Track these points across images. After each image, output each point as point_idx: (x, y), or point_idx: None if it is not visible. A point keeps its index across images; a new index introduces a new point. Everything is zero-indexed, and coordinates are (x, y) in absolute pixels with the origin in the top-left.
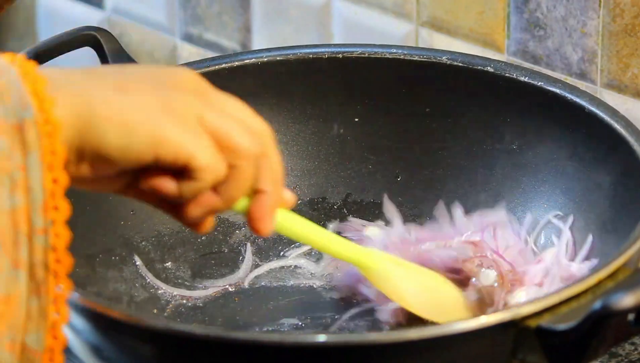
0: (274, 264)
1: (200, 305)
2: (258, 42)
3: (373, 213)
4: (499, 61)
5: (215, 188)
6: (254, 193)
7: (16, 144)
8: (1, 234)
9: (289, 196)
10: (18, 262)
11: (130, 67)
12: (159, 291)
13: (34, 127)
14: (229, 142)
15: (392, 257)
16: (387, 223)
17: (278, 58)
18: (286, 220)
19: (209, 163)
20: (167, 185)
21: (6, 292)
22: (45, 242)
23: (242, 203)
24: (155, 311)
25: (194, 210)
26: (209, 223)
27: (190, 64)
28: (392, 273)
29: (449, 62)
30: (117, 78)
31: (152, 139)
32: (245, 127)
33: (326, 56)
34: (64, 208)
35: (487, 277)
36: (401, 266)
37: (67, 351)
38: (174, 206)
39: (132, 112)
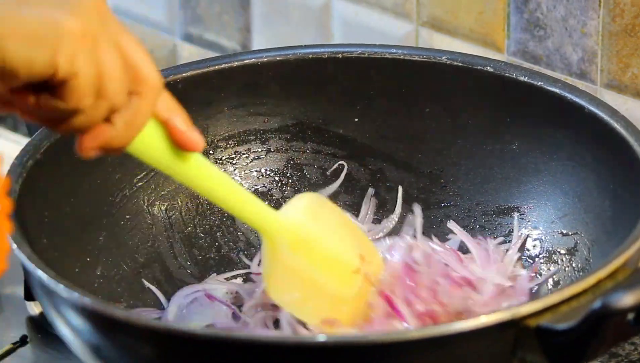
0: None
1: None
2: (258, 42)
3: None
4: (499, 61)
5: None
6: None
7: None
8: None
9: (195, 137)
10: None
11: None
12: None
13: None
14: (103, 79)
15: (306, 229)
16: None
17: (278, 58)
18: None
19: (84, 90)
20: (29, 98)
21: None
22: None
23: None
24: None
25: (40, 117)
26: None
27: (190, 64)
28: (290, 259)
29: (449, 62)
30: None
31: (54, 54)
32: (132, 69)
33: (326, 56)
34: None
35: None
36: (310, 243)
37: (67, 350)
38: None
39: (38, 23)
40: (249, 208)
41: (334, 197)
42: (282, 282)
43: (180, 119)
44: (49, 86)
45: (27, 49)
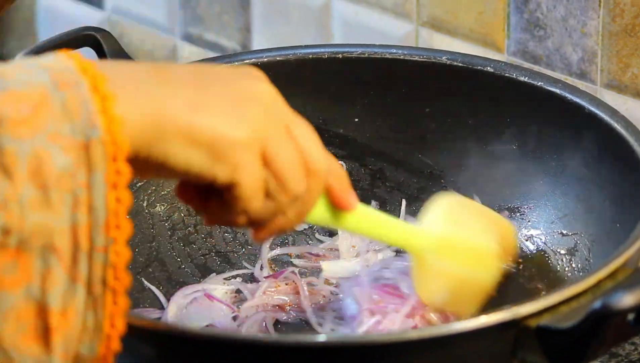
0: None
1: None
2: (258, 42)
3: None
4: (499, 61)
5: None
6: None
7: (81, 162)
8: (59, 250)
9: (352, 200)
10: (76, 277)
11: (206, 71)
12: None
13: (101, 146)
14: (280, 180)
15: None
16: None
17: (278, 58)
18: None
19: (251, 194)
20: (198, 202)
21: (63, 306)
22: (104, 259)
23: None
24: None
25: (261, 234)
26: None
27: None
28: (437, 266)
29: (449, 62)
30: (192, 90)
31: (214, 160)
32: (305, 161)
33: (326, 56)
34: (126, 227)
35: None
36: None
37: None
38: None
39: (202, 130)
40: (398, 233)
41: None
42: (433, 287)
43: (340, 184)
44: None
45: (188, 153)
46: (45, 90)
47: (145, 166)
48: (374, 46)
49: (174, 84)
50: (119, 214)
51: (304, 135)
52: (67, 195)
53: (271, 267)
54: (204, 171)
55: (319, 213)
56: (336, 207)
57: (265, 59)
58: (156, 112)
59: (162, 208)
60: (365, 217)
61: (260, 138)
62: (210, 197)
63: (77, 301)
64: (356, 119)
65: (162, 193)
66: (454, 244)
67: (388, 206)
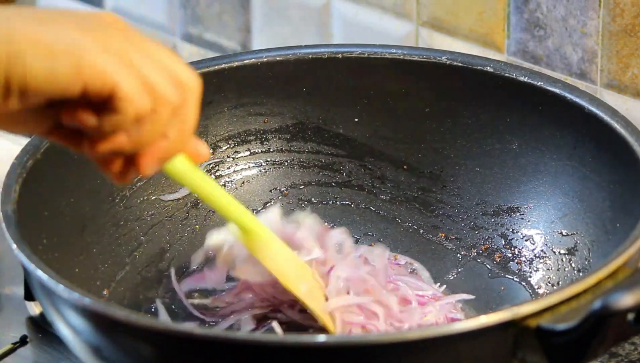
0: None
1: None
2: (258, 42)
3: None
4: (498, 61)
5: (127, 129)
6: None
7: None
8: None
9: (202, 149)
10: None
11: (52, 9)
12: None
13: None
14: (152, 86)
15: (273, 234)
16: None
17: (278, 58)
18: (183, 166)
19: (134, 94)
20: (89, 118)
21: None
22: None
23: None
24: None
25: (103, 146)
26: (129, 175)
27: (190, 64)
28: (273, 245)
29: (449, 62)
30: (39, 12)
31: (78, 65)
32: (171, 75)
33: (326, 56)
34: None
35: None
36: (280, 243)
37: (67, 350)
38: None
39: (57, 40)
40: (236, 210)
41: (332, 197)
42: (281, 265)
43: (161, 147)
44: (104, 107)
45: (47, 63)
46: None
47: (7, 92)
48: (374, 45)
49: (18, 9)
50: None
51: (166, 53)
52: None
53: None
54: (71, 78)
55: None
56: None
57: (265, 59)
58: (5, 25)
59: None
60: (203, 179)
61: (116, 48)
62: (83, 115)
63: None
64: (356, 119)
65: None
66: (281, 248)
67: (388, 207)
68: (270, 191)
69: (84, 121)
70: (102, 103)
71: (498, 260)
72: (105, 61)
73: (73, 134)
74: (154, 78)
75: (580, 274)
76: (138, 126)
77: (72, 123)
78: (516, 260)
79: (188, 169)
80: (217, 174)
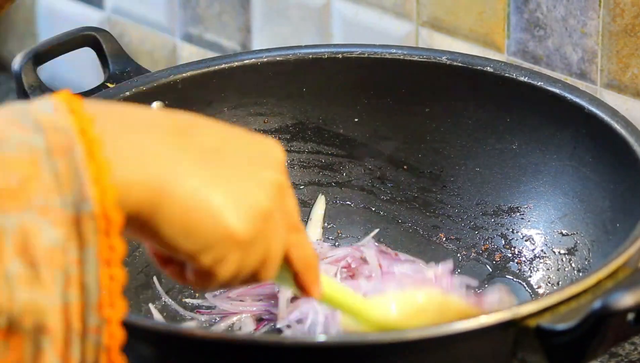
0: None
1: None
2: (258, 42)
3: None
4: (499, 61)
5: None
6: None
7: (72, 237)
8: (52, 330)
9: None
10: (68, 360)
11: (227, 144)
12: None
13: (92, 221)
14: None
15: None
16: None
17: (278, 58)
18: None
19: (232, 274)
20: (189, 276)
21: None
22: (98, 341)
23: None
24: None
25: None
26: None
27: (190, 64)
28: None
29: (449, 62)
30: (203, 163)
31: (202, 247)
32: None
33: (326, 56)
34: (121, 306)
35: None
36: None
37: None
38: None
39: (200, 217)
40: (356, 308)
41: (332, 197)
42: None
43: (309, 278)
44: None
45: (179, 235)
46: (37, 157)
47: (141, 231)
48: (374, 45)
49: (184, 150)
50: (112, 292)
51: (300, 240)
52: (58, 272)
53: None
54: (188, 254)
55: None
56: (299, 289)
57: (265, 59)
58: (159, 179)
59: None
60: (329, 293)
61: (253, 237)
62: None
63: None
64: (356, 119)
65: None
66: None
67: (389, 207)
68: None
69: (177, 277)
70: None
71: (498, 260)
72: (226, 252)
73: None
74: (270, 264)
75: (580, 274)
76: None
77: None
78: (516, 260)
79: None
80: None
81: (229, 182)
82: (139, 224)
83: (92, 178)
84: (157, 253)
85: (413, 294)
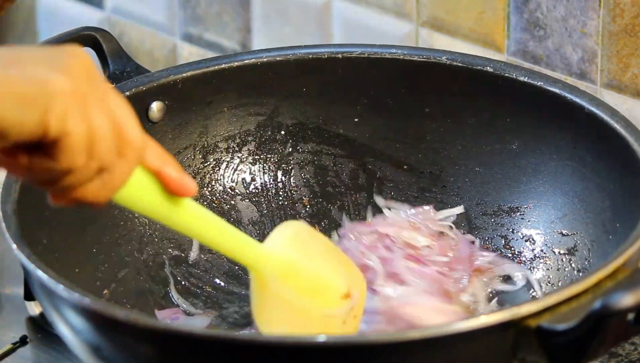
0: None
1: None
2: (258, 42)
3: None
4: (498, 61)
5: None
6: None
7: None
8: None
9: (189, 183)
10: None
11: (22, 47)
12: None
13: None
14: (94, 140)
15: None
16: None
17: (278, 58)
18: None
19: (75, 149)
20: (22, 159)
21: None
22: None
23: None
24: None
25: (60, 200)
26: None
27: (190, 64)
28: (278, 290)
29: (448, 62)
30: (6, 53)
31: (45, 113)
32: (118, 129)
33: (326, 56)
34: None
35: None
36: (293, 276)
37: (67, 350)
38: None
39: (26, 82)
40: (237, 246)
41: (333, 197)
42: (272, 314)
43: (172, 168)
44: (41, 146)
45: (17, 110)
46: None
47: None
48: (374, 45)
49: None
50: None
51: (121, 107)
52: None
53: None
54: (36, 125)
55: (144, 195)
56: (171, 192)
57: (265, 59)
58: None
59: None
60: (202, 216)
61: (81, 93)
62: (18, 153)
63: None
64: (356, 119)
65: None
66: (299, 270)
67: (388, 207)
68: (270, 191)
69: (16, 161)
70: (41, 144)
71: None
72: (68, 110)
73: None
74: (100, 132)
75: (580, 274)
76: (61, 175)
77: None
78: (516, 260)
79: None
80: (217, 174)
81: (37, 55)
82: None
83: None
84: (8, 158)
85: (293, 227)
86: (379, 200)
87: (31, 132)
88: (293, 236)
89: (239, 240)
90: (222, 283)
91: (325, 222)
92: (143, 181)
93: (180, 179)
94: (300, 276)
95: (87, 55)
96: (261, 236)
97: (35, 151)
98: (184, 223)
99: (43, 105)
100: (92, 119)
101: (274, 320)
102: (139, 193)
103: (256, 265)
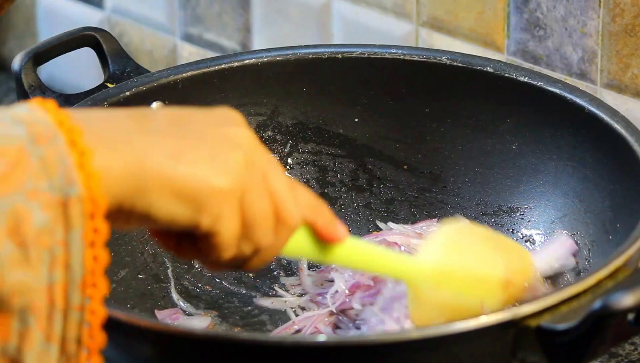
0: None
1: None
2: (258, 42)
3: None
4: (498, 61)
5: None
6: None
7: (59, 219)
8: (37, 309)
9: (339, 231)
10: (51, 336)
11: (185, 117)
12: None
13: (79, 204)
14: (251, 230)
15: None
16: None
17: (278, 58)
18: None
19: (229, 244)
20: (186, 251)
21: None
22: (80, 318)
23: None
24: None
25: (217, 270)
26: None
27: (190, 64)
28: (434, 296)
29: (448, 62)
30: (172, 139)
31: (199, 211)
32: (277, 211)
33: (326, 56)
34: (102, 286)
35: None
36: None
37: None
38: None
39: (184, 180)
40: (388, 267)
41: (334, 197)
42: (429, 317)
43: (323, 218)
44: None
45: (172, 206)
46: (22, 145)
47: (129, 218)
48: (374, 46)
49: (153, 133)
50: (95, 272)
51: (281, 184)
52: (46, 253)
53: None
54: (187, 222)
55: (306, 247)
56: (323, 241)
57: (265, 59)
58: (137, 164)
59: None
60: (356, 249)
61: (240, 188)
62: (182, 239)
63: (50, 359)
64: (356, 119)
65: None
66: (453, 273)
67: (388, 207)
68: None
69: (165, 241)
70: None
71: None
72: (223, 210)
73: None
74: (258, 222)
75: (581, 274)
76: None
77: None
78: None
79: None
80: None
81: (199, 145)
82: (127, 211)
83: (76, 164)
84: (160, 235)
85: (445, 230)
86: (381, 224)
87: (181, 227)
88: (448, 238)
89: (390, 260)
90: (223, 283)
91: None
92: (300, 231)
93: (332, 227)
94: (455, 278)
95: (248, 131)
96: None
97: (185, 238)
98: (340, 260)
99: (199, 205)
100: (249, 207)
101: (430, 320)
102: (296, 245)
103: (408, 279)
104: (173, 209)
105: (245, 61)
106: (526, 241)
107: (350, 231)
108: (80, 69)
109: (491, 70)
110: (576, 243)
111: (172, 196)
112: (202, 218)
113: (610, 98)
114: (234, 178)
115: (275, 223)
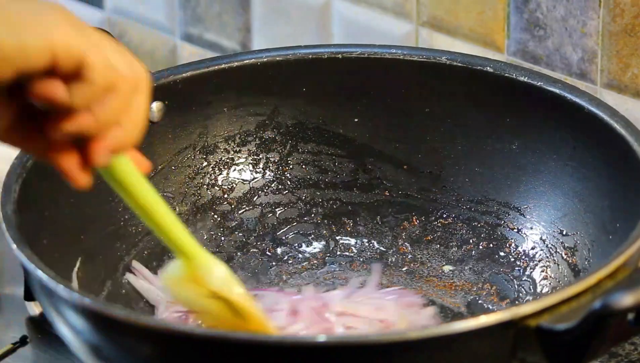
0: None
1: None
2: (258, 42)
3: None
4: (498, 61)
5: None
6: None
7: None
8: None
9: (143, 159)
10: None
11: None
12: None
13: None
14: (113, 64)
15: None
16: None
17: (278, 58)
18: (127, 168)
19: (101, 64)
20: (59, 88)
21: None
22: None
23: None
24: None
25: (68, 126)
26: (87, 175)
27: (190, 64)
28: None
29: (448, 62)
30: None
31: (48, 37)
32: (127, 60)
33: (326, 56)
34: None
35: None
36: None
37: (67, 350)
38: (42, 141)
39: (26, 13)
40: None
41: (334, 197)
42: (184, 292)
43: (116, 134)
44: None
45: (17, 34)
46: None
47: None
48: (374, 46)
49: None
50: None
51: (118, 46)
52: None
53: None
54: (42, 52)
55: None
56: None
57: (265, 59)
58: None
59: None
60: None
61: (84, 27)
62: (34, 128)
63: None
64: (356, 119)
65: (162, 194)
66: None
67: (388, 207)
68: (270, 191)
69: (54, 92)
70: (71, 75)
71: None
72: (74, 35)
73: (32, 127)
74: (114, 58)
75: (580, 274)
76: (103, 101)
77: (42, 97)
78: (516, 261)
79: (132, 171)
80: (216, 174)
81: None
82: None
83: None
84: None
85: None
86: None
87: (37, 57)
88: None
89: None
90: None
91: (325, 221)
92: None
93: (100, 146)
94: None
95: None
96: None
97: (70, 84)
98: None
99: (46, 30)
100: (100, 45)
101: (183, 295)
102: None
103: (189, 254)
104: (20, 38)
105: (245, 61)
106: (526, 241)
107: (350, 231)
108: None
109: (491, 70)
110: (576, 242)
111: (16, 25)
112: (56, 43)
113: (610, 98)
114: (72, 23)
115: (130, 67)
